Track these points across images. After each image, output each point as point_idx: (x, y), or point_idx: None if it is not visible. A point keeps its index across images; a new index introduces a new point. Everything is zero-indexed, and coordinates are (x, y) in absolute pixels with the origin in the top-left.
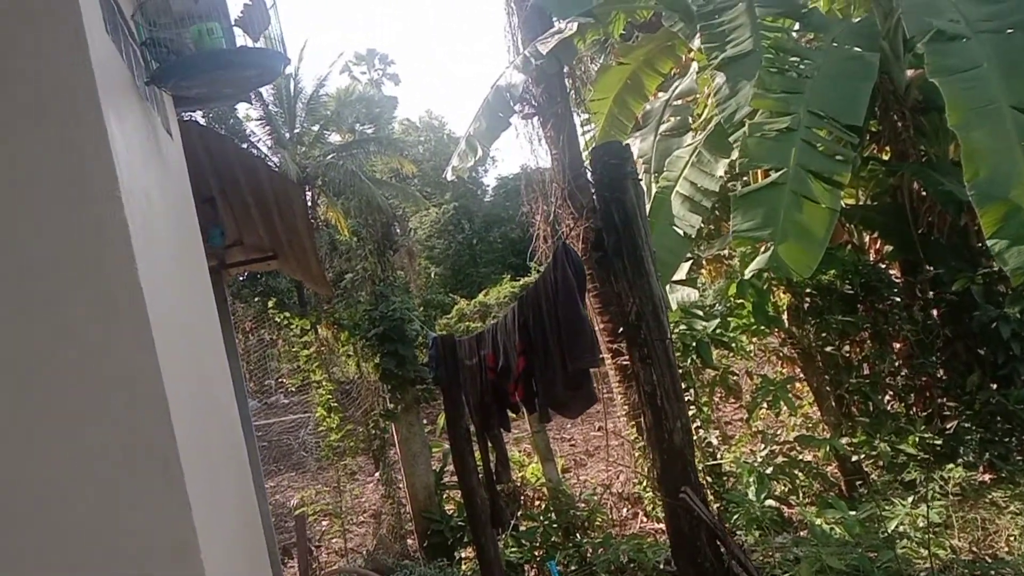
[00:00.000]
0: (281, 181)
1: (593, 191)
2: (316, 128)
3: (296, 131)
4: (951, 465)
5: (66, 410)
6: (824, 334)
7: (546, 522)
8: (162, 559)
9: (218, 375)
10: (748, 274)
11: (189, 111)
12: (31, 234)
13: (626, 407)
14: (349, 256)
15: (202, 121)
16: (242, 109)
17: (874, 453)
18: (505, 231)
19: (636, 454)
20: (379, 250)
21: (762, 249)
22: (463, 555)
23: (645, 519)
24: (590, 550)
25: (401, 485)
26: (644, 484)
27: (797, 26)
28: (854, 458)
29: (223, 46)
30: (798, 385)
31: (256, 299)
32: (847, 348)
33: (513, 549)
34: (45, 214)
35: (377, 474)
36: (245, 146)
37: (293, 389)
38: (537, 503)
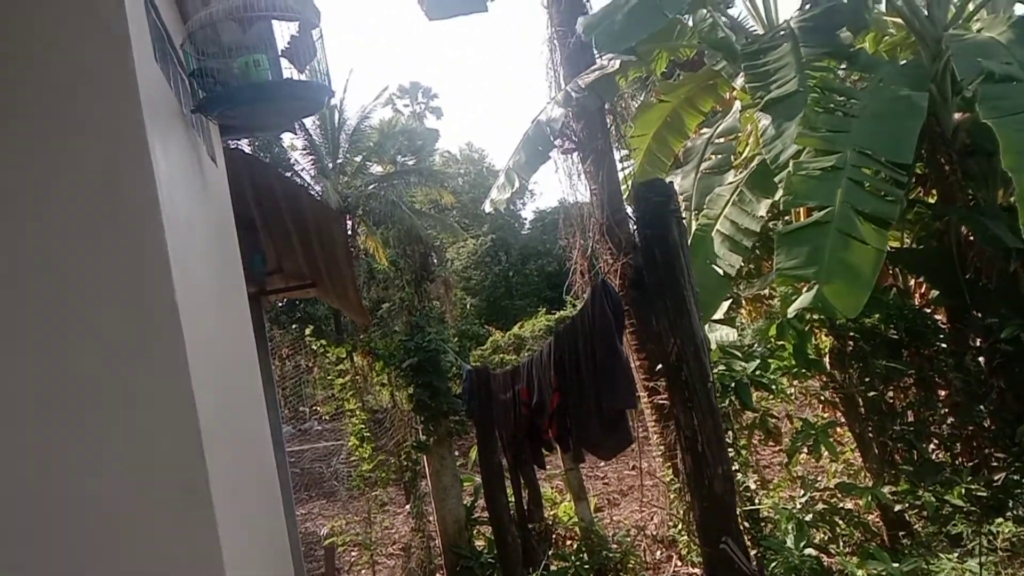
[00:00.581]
0: (322, 210)
1: (634, 228)
2: (359, 159)
3: (339, 161)
4: (1000, 519)
5: (100, 429)
6: (867, 379)
7: (578, 562)
8: None
9: (253, 400)
10: (791, 313)
11: (235, 139)
12: (73, 254)
13: (662, 447)
14: (386, 285)
15: (247, 149)
16: (287, 138)
17: (918, 503)
18: (541, 264)
19: (672, 496)
20: (416, 280)
21: (804, 289)
22: None
23: (680, 563)
24: None
25: (431, 518)
26: (679, 527)
27: (843, 66)
28: (897, 508)
29: (269, 77)
30: (839, 430)
31: (294, 326)
32: (891, 394)
33: None
34: (87, 235)
35: (408, 506)
36: (289, 174)
37: (327, 416)
38: (569, 542)
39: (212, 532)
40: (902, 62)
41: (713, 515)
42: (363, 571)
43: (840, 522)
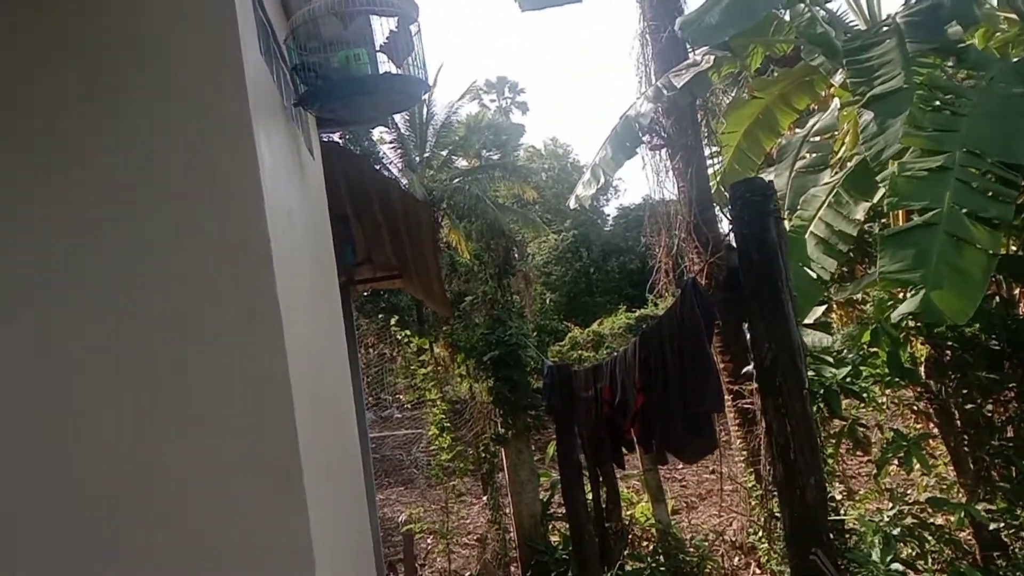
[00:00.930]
0: (412, 202)
1: (730, 228)
2: (444, 153)
3: (425, 155)
4: None
5: (201, 414)
6: (965, 390)
7: (653, 564)
8: (277, 565)
9: (342, 387)
10: (896, 318)
11: (330, 132)
12: (180, 243)
13: (744, 452)
14: (468, 279)
15: (339, 142)
16: (376, 132)
17: (1016, 523)
18: (623, 261)
19: (753, 502)
20: (499, 274)
21: (900, 295)
22: None
23: (758, 571)
24: None
25: (507, 511)
26: (760, 534)
27: (951, 63)
28: (992, 527)
29: (368, 72)
30: (932, 443)
31: (379, 315)
32: (990, 407)
33: None
34: (193, 225)
35: (484, 497)
36: (377, 168)
37: (408, 405)
38: (645, 544)
39: (303, 517)
40: (1015, 59)
41: (803, 525)
42: (438, 559)
43: (930, 538)
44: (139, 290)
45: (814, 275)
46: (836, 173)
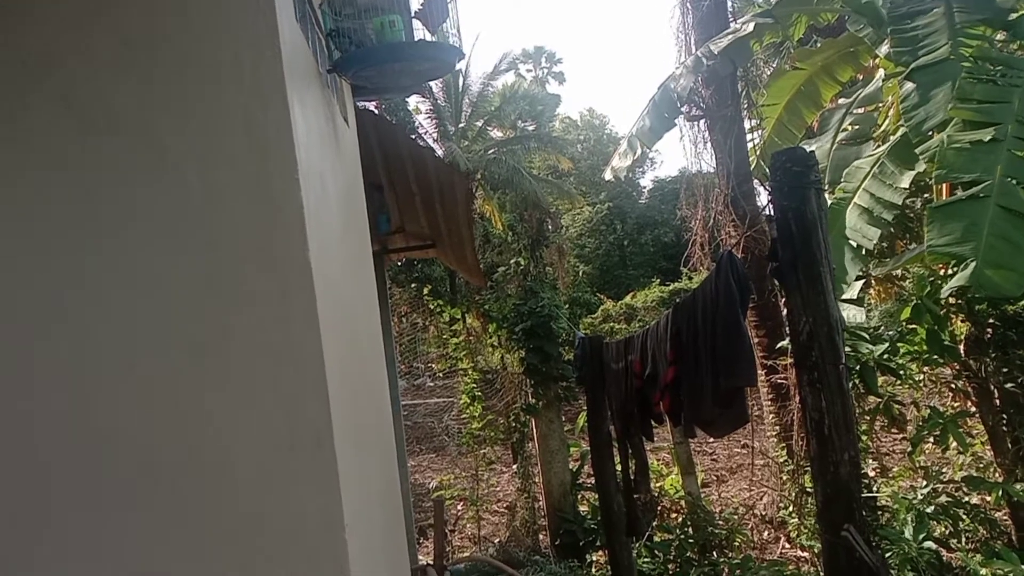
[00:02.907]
0: (447, 171)
1: (768, 198)
2: (480, 123)
3: (461, 125)
4: None
5: (234, 378)
6: (1005, 369)
7: (682, 536)
8: (308, 531)
9: (374, 355)
10: (946, 292)
11: (365, 100)
12: (213, 209)
13: (777, 427)
14: (501, 250)
15: (374, 111)
16: (412, 101)
17: None
18: (658, 234)
19: (784, 477)
20: (532, 246)
21: (943, 271)
22: (593, 558)
23: (788, 545)
24: (726, 570)
25: (537, 480)
26: (791, 509)
27: (1000, 35)
28: None
29: (403, 39)
30: (969, 421)
31: (412, 285)
32: None
33: (646, 559)
34: (226, 190)
35: (514, 466)
36: (412, 137)
37: (440, 374)
38: (674, 515)
39: (334, 483)
40: None
41: (836, 501)
42: (468, 525)
43: (964, 517)
44: (178, 253)
45: (855, 244)
46: (879, 146)
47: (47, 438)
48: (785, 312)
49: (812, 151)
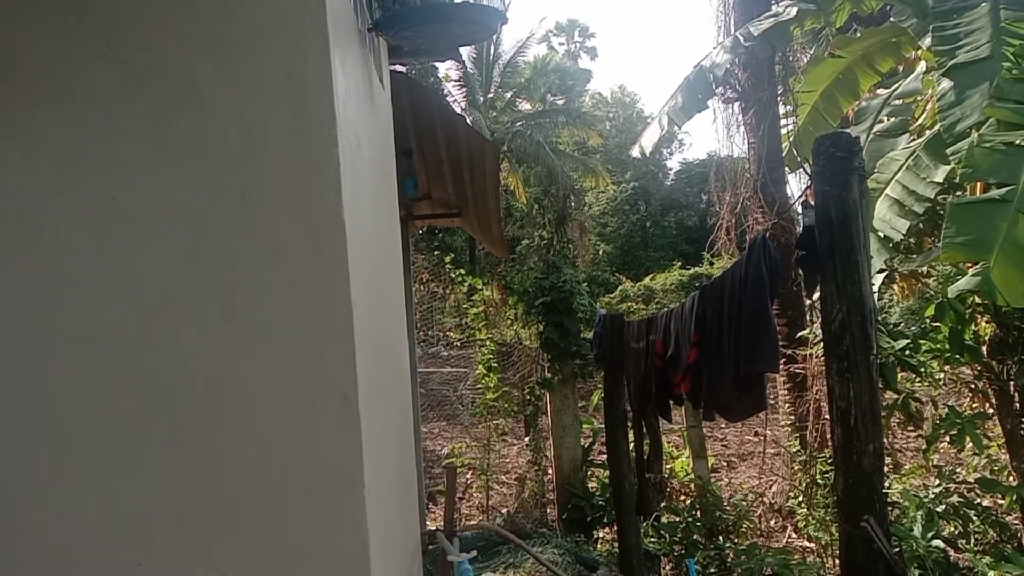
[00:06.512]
0: (478, 140)
1: (810, 183)
2: (509, 95)
3: (489, 96)
4: None
5: (261, 329)
6: None
7: (689, 519)
8: (327, 486)
9: (396, 318)
10: (952, 293)
11: (401, 63)
12: (249, 158)
13: (792, 417)
14: (523, 223)
15: (407, 74)
16: (442, 69)
17: None
18: (681, 217)
19: (795, 467)
20: (557, 220)
21: (969, 268)
22: (600, 535)
23: (795, 534)
24: (732, 555)
25: (548, 454)
26: (800, 499)
27: None
28: None
29: None
30: (987, 423)
31: (433, 253)
32: None
33: (652, 539)
34: (263, 142)
35: (526, 439)
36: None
37: (457, 343)
38: (683, 498)
39: (356, 437)
40: None
41: (858, 492)
42: (476, 494)
43: (975, 518)
44: (211, 199)
45: (882, 235)
46: (914, 139)
47: (70, 380)
48: (807, 302)
49: (856, 137)
